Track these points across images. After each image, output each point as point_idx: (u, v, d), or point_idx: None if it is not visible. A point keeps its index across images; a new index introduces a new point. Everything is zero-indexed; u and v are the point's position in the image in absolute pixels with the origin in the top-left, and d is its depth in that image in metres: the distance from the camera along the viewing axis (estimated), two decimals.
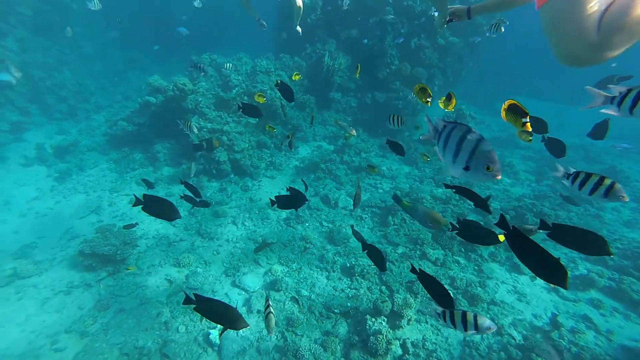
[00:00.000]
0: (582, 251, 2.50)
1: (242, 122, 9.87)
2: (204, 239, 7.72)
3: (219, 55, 12.28)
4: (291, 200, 3.86)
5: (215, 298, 3.02)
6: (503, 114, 2.90)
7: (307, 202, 3.93)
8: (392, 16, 12.95)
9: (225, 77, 10.17)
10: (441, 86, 15.88)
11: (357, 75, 6.13)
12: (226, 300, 6.19)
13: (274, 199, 3.84)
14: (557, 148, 4.06)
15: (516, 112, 2.84)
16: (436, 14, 2.91)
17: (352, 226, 5.88)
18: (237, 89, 10.12)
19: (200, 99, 9.48)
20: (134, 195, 3.32)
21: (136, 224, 7.00)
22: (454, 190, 3.24)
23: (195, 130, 5.34)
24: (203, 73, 5.57)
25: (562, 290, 6.94)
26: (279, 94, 10.61)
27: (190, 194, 5.36)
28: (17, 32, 13.18)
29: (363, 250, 3.78)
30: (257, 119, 10.13)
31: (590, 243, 2.42)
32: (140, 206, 3.04)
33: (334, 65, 12.60)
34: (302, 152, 11.97)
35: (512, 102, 2.79)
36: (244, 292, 6.39)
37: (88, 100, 14.03)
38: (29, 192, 9.34)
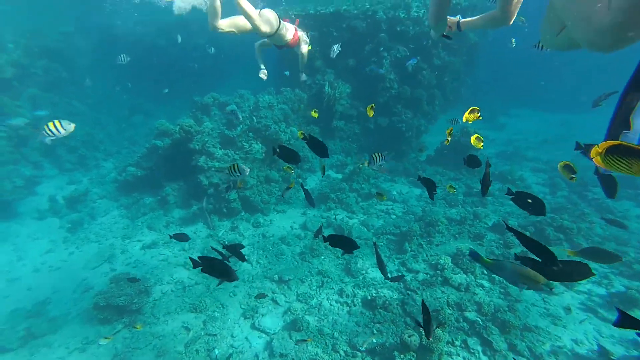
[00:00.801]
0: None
1: (250, 158, 9.93)
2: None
3: (220, 94, 12.59)
4: (344, 242, 3.99)
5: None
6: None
7: (357, 248, 3.99)
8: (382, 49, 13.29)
9: (229, 116, 10.37)
10: (442, 105, 16.05)
11: (372, 115, 6.24)
12: (247, 346, 5.95)
13: (325, 235, 4.00)
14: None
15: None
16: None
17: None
18: (241, 126, 10.27)
19: (206, 139, 9.61)
20: (190, 258, 3.41)
21: (139, 279, 6.83)
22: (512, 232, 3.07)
23: (247, 171, 5.23)
24: (236, 118, 5.67)
25: (601, 310, 6.58)
26: (283, 127, 10.75)
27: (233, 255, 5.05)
28: (30, 90, 13.73)
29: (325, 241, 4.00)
30: (263, 156, 10.20)
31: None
32: (199, 268, 3.18)
33: (335, 94, 12.82)
34: (311, 183, 11.94)
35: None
36: (264, 335, 6.15)
37: (97, 148, 14.32)
38: (42, 246, 9.33)
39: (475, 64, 18.82)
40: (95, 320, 6.55)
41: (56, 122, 4.22)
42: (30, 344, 6.30)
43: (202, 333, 6.21)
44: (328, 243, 3.93)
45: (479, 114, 4.54)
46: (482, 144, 5.20)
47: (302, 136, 4.47)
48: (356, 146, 14.43)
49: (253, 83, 20.81)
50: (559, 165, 4.05)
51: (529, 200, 3.22)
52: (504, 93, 26.73)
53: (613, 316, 6.50)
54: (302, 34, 6.33)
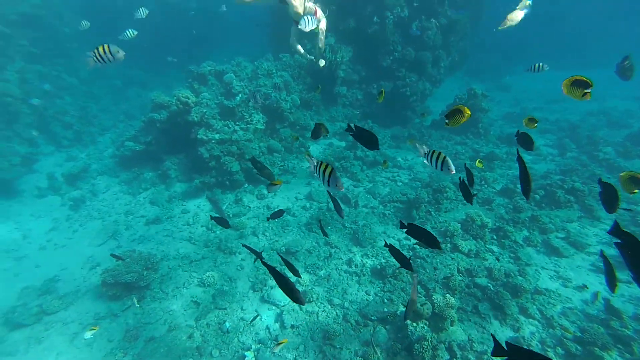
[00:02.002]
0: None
1: (250, 128, 9.59)
2: (225, 254, 7.50)
3: (217, 63, 11.99)
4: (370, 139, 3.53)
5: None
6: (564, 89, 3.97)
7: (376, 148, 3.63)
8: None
9: (227, 85, 9.88)
10: (447, 67, 15.37)
11: (381, 100, 5.84)
12: (258, 319, 5.96)
13: (352, 127, 3.50)
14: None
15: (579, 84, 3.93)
16: None
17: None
18: (240, 95, 9.83)
19: (204, 110, 9.23)
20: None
21: (123, 258, 6.70)
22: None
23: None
24: (256, 102, 5.26)
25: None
26: (284, 95, 10.31)
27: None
28: (16, 63, 13.11)
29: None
30: (264, 126, 9.84)
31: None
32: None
33: (337, 58, 12.21)
34: (314, 151, 11.65)
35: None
36: (274, 307, 6.15)
37: (92, 124, 13.94)
38: (46, 224, 9.25)
39: (481, 21, 17.82)
40: (105, 297, 6.56)
41: (105, 46, 3.94)
42: (44, 320, 6.34)
43: (212, 307, 6.21)
44: (352, 135, 3.52)
45: (536, 124, 4.51)
46: (536, 124, 4.54)
47: (297, 140, 4.44)
48: (359, 112, 13.98)
49: (250, 49, 19.97)
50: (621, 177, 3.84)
51: None
52: (509, 50, 25.64)
53: (624, 276, 6.44)
54: (320, 11, 5.91)
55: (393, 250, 3.78)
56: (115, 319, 6.20)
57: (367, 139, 3.49)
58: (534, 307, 5.72)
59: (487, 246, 7.21)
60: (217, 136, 9.05)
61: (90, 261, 7.76)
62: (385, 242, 3.97)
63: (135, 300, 6.35)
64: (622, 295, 6.02)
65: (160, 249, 7.91)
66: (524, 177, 3.30)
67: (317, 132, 4.45)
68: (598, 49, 25.31)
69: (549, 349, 5.02)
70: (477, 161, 6.96)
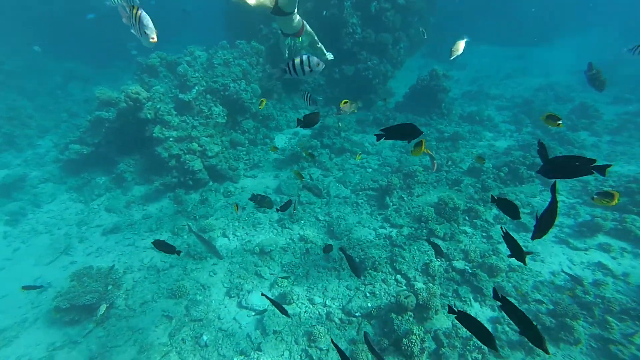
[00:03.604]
0: None
1: (210, 123, 8.95)
2: (195, 260, 7.01)
3: (168, 53, 11.01)
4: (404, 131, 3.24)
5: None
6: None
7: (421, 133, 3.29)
8: None
9: (182, 77, 9.09)
10: (407, 48, 15.37)
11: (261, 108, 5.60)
12: (237, 326, 5.63)
13: (381, 132, 3.26)
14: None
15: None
16: None
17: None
18: (197, 87, 9.10)
19: (158, 106, 8.44)
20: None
21: (41, 286, 6.16)
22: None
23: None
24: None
25: (571, 240, 6.87)
26: (243, 86, 9.74)
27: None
28: None
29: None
30: (225, 119, 9.24)
31: None
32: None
33: (296, 43, 11.64)
34: (279, 142, 11.22)
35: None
36: (253, 313, 5.84)
37: (27, 125, 12.43)
38: None
39: (436, 2, 17.93)
40: (61, 323, 5.87)
41: (305, 57, 3.87)
42: None
43: (186, 320, 5.78)
44: (383, 138, 3.24)
45: (560, 122, 4.21)
46: (560, 122, 4.18)
47: (309, 155, 4.57)
48: (322, 98, 13.65)
49: (203, 37, 18.72)
50: (542, 118, 4.29)
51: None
52: (462, 29, 26.23)
53: (582, 244, 6.83)
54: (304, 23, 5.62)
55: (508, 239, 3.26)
56: (75, 346, 5.56)
57: (511, 209, 3.28)
58: (510, 285, 5.89)
59: (461, 227, 7.32)
60: (174, 133, 8.35)
61: (39, 283, 6.92)
62: (502, 229, 3.50)
63: (103, 308, 5.74)
64: (582, 263, 6.38)
65: (122, 260, 7.25)
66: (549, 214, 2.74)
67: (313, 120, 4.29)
68: (541, 23, 26.59)
69: None
70: (477, 157, 6.95)
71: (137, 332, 5.71)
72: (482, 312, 5.54)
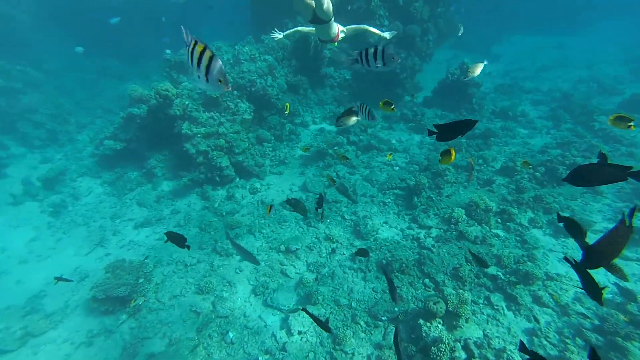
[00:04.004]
0: None
1: (237, 119, 9.01)
2: (222, 256, 7.12)
3: None
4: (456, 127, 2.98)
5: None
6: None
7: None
8: None
9: None
10: (435, 40, 14.81)
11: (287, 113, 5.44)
12: (262, 325, 5.68)
13: (434, 129, 3.03)
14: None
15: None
16: None
17: None
18: None
19: (187, 102, 8.57)
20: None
21: (71, 280, 6.38)
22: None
23: None
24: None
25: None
26: (269, 81, 9.71)
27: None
28: None
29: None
30: (252, 115, 9.27)
31: None
32: None
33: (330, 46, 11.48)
34: (305, 138, 11.15)
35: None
36: (278, 312, 5.86)
37: (67, 121, 13.02)
38: (25, 234, 8.65)
39: None
40: (97, 312, 6.16)
41: None
42: (31, 344, 5.92)
43: (213, 316, 5.89)
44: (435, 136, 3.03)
45: (632, 124, 3.76)
46: (633, 124, 3.74)
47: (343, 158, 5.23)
48: (348, 93, 13.42)
49: (227, 32, 18.89)
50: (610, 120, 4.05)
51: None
52: (496, 19, 25.03)
53: (634, 254, 6.36)
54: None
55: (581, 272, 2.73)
56: (110, 335, 5.83)
57: (461, 128, 2.91)
58: (547, 294, 5.57)
59: (493, 231, 7.01)
60: (202, 130, 8.47)
61: (78, 272, 7.28)
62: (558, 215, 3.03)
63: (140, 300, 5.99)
64: (633, 275, 5.93)
65: (152, 254, 7.48)
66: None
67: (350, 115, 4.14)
68: (585, 13, 24.90)
69: (567, 340, 4.89)
70: (522, 162, 6.57)
71: (166, 325, 5.88)
72: (517, 323, 5.29)
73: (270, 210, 5.06)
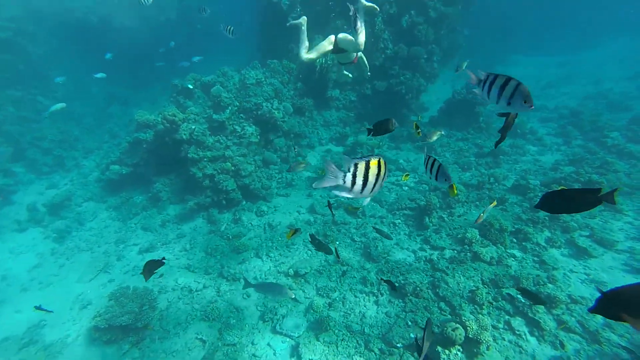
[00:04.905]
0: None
1: (244, 142, 9.01)
2: (229, 281, 6.89)
3: (200, 74, 11.36)
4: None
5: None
6: None
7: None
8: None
9: (215, 98, 9.26)
10: (440, 61, 14.99)
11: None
12: (271, 353, 5.38)
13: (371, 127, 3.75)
14: None
15: None
16: None
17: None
18: (230, 107, 9.23)
19: (193, 127, 8.60)
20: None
21: (51, 311, 6.04)
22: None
23: None
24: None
25: None
26: (275, 105, 9.78)
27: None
28: None
29: None
30: (258, 138, 9.27)
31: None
32: None
33: (327, 61, 11.69)
34: (312, 160, 11.10)
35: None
36: (288, 339, 5.57)
37: (74, 147, 13.16)
38: (28, 261, 8.51)
39: (470, 13, 17.51)
40: (99, 342, 5.90)
41: None
42: None
43: (220, 344, 5.61)
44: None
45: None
46: None
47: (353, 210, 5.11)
48: (354, 115, 13.47)
49: (233, 57, 19.33)
50: None
51: None
52: (500, 40, 25.45)
53: None
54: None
55: None
56: None
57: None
58: (573, 319, 5.25)
59: (509, 251, 6.74)
60: (209, 154, 8.44)
61: (80, 300, 7.07)
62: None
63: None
64: None
65: (156, 280, 7.26)
66: None
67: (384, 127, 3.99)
68: (590, 31, 25.29)
69: None
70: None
71: (170, 354, 5.61)
72: (541, 350, 4.95)
73: (293, 235, 4.81)
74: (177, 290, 6.89)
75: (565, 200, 2.51)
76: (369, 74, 6.24)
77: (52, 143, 12.30)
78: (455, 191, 4.03)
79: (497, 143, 3.19)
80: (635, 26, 26.03)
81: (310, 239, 4.67)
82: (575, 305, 5.47)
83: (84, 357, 5.81)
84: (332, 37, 4.94)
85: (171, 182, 9.48)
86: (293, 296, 5.18)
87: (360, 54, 5.80)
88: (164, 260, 3.90)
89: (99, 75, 11.68)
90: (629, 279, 5.94)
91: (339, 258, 4.87)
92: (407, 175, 6.76)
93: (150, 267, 3.79)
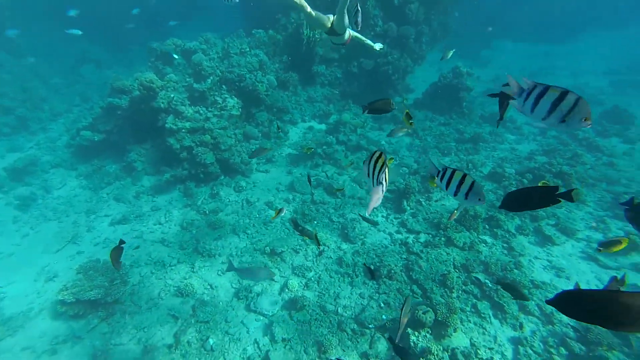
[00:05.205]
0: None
1: (225, 115, 8.68)
2: (204, 257, 6.81)
3: (182, 39, 10.70)
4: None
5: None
6: None
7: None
8: None
9: (196, 66, 8.79)
10: (428, 43, 14.77)
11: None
12: (244, 331, 5.43)
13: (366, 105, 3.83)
14: None
15: None
16: None
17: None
18: (211, 77, 8.81)
19: (172, 95, 8.18)
20: None
21: None
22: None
23: None
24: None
25: (601, 258, 6.46)
26: (259, 77, 9.42)
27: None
28: None
29: None
30: (239, 112, 8.96)
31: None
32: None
33: (314, 35, 11.27)
34: (293, 136, 10.90)
35: None
36: (262, 317, 5.62)
37: (40, 108, 12.33)
38: None
39: None
40: (66, 316, 5.75)
41: None
42: None
43: (193, 321, 5.60)
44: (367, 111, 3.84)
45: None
46: None
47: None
48: (338, 92, 13.23)
49: (218, 24, 18.37)
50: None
51: None
52: (486, 24, 25.33)
53: (613, 262, 6.43)
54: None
55: None
56: (78, 341, 5.44)
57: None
58: (533, 302, 5.54)
59: (481, 237, 6.96)
60: (187, 124, 8.10)
61: (46, 272, 6.80)
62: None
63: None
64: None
65: (129, 253, 7.08)
66: None
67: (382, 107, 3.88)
68: (575, 21, 25.52)
69: (551, 349, 4.85)
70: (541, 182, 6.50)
71: (141, 330, 5.55)
72: (503, 331, 5.23)
73: (278, 214, 4.77)
74: (150, 265, 6.76)
75: (526, 199, 2.63)
76: (378, 47, 6.29)
77: (14, 101, 11.45)
78: (434, 184, 4.02)
79: (498, 122, 3.21)
80: (618, 21, 26.50)
81: (292, 225, 4.68)
82: (537, 290, 5.77)
83: (48, 332, 5.63)
84: (331, 17, 5.02)
85: (147, 152, 9.10)
86: (274, 277, 5.21)
87: (353, 34, 5.71)
88: (122, 246, 3.82)
89: (73, 31, 10.65)
90: (584, 266, 6.32)
91: (319, 246, 4.89)
92: (391, 159, 6.72)
93: (116, 256, 3.71)
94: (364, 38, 6.14)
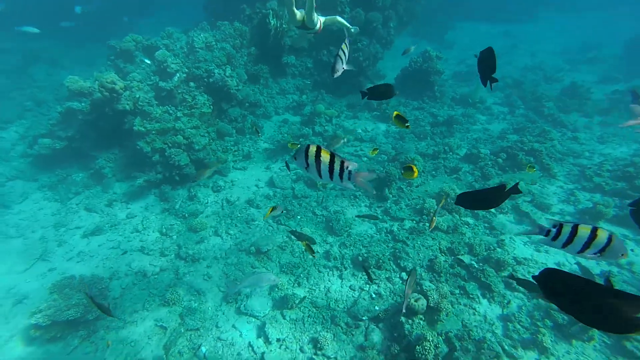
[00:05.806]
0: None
1: (195, 113, 8.31)
2: (187, 262, 6.58)
3: (142, 35, 10.09)
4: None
5: None
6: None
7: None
8: None
9: (161, 63, 8.32)
10: (396, 27, 14.76)
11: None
12: (237, 335, 5.31)
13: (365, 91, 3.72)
14: None
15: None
16: None
17: None
18: (178, 74, 8.38)
19: (137, 95, 7.72)
20: None
21: None
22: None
23: None
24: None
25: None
26: (229, 72, 9.08)
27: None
28: None
29: None
30: (211, 108, 8.61)
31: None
32: None
33: (282, 25, 10.95)
34: (268, 130, 10.65)
35: None
36: (253, 320, 5.51)
37: None
38: None
39: None
40: (42, 340, 5.39)
41: None
42: None
43: (182, 329, 5.41)
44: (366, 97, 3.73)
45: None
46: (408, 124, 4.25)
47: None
48: (310, 82, 13.01)
49: (177, 16, 17.49)
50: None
51: None
52: (449, 5, 25.70)
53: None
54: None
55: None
56: None
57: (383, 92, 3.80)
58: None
59: (463, 219, 7.12)
60: (157, 126, 7.70)
61: (13, 294, 6.32)
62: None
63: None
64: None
65: (107, 265, 6.74)
66: None
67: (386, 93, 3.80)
68: (529, 3, 26.29)
69: (537, 322, 5.06)
70: (528, 166, 6.81)
71: (128, 344, 5.31)
72: (491, 310, 5.40)
73: (271, 212, 4.67)
74: (130, 276, 6.45)
75: (477, 201, 2.99)
76: (354, 30, 6.52)
77: None
78: (416, 174, 4.16)
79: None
80: (570, 6, 27.73)
81: (290, 233, 4.80)
82: (520, 266, 5.98)
83: (23, 358, 5.28)
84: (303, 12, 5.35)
85: (115, 157, 8.61)
86: (279, 281, 5.27)
87: (323, 20, 5.70)
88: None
89: (28, 29, 9.50)
90: None
91: (313, 255, 4.83)
92: (375, 150, 6.71)
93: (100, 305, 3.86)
94: (339, 18, 6.25)
